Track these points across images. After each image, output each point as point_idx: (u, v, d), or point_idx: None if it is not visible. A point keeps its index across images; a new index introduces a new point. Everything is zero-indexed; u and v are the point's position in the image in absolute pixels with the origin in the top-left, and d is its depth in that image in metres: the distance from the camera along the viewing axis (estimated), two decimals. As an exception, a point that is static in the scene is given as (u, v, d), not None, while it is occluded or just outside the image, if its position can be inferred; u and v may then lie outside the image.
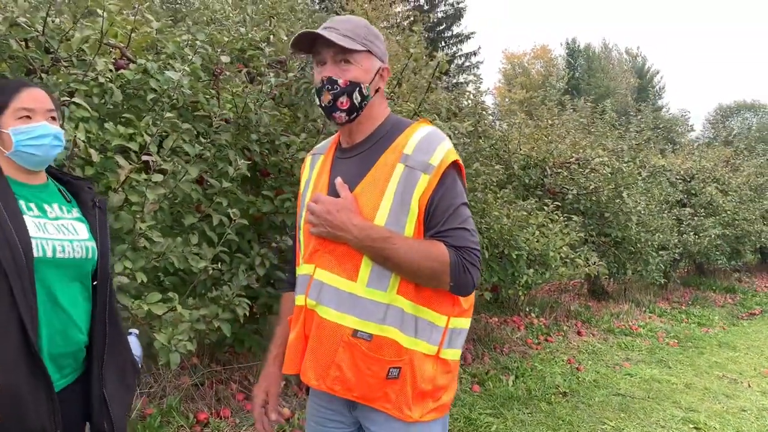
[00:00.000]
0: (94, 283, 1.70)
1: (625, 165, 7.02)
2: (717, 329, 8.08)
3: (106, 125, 2.77)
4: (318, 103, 1.63)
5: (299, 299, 1.68)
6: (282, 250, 3.66)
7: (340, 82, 1.58)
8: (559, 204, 5.79)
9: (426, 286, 1.55)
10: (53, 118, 1.67)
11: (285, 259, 3.67)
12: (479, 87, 5.15)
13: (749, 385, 5.52)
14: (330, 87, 1.58)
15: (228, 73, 3.94)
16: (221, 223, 3.06)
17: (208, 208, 3.07)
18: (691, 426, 4.34)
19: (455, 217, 1.55)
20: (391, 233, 1.52)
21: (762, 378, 5.84)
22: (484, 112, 4.99)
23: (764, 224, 10.83)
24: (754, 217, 10.47)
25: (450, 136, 3.82)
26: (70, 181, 1.80)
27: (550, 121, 7.18)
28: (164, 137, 2.96)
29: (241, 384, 3.94)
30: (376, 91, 1.65)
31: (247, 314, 2.94)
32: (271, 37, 3.68)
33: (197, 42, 2.98)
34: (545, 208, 5.27)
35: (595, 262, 5.46)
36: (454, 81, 28.35)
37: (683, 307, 9.45)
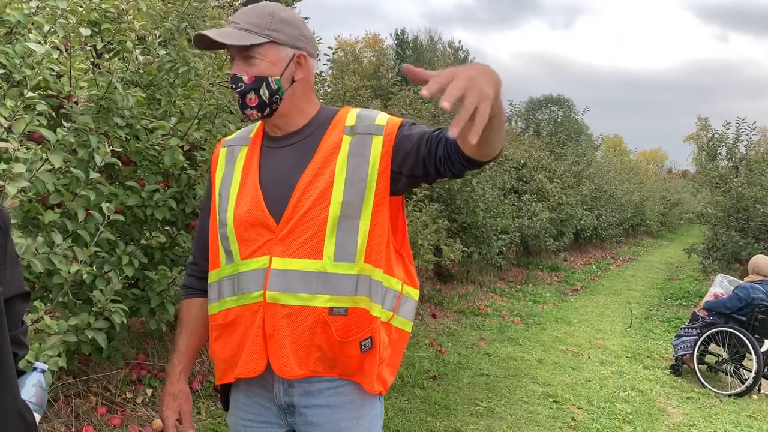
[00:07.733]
0: None
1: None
2: (550, 306, 8.79)
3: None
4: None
5: (252, 297, 1.51)
6: (152, 248, 3.33)
7: (245, 78, 1.49)
8: (427, 193, 5.89)
9: (498, 142, 1.32)
10: None
11: (152, 258, 3.38)
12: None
13: (589, 357, 6.06)
14: (235, 85, 1.50)
15: (76, 48, 3.50)
16: (87, 219, 2.70)
17: (71, 202, 2.68)
18: (551, 400, 4.66)
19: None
20: None
21: (597, 349, 6.44)
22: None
23: (583, 208, 11.95)
24: (575, 201, 11.51)
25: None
26: None
27: (403, 110, 7.27)
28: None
29: (102, 396, 3.54)
30: (293, 81, 1.52)
31: (125, 322, 2.61)
32: (138, 10, 3.30)
33: (57, 11, 2.57)
34: (414, 196, 5.34)
35: (459, 249, 5.64)
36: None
37: (518, 286, 10.16)
